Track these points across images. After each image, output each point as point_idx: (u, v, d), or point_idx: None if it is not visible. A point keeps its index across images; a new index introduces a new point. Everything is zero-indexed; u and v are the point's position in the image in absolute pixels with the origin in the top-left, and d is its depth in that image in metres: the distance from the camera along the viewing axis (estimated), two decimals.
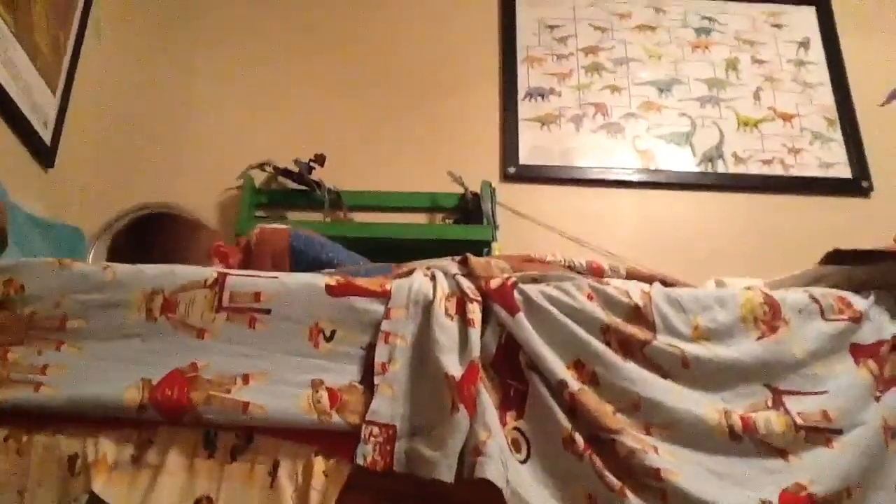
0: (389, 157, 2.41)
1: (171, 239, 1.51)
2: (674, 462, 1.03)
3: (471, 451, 1.00)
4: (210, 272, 1.13)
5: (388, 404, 1.05)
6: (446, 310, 1.13)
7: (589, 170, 2.45)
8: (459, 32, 2.63)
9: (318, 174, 2.26)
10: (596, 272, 1.30)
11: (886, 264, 1.26)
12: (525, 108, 2.52)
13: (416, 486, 1.01)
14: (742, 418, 1.08)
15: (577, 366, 1.11)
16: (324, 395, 1.05)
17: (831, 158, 2.51)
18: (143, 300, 1.10)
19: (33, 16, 1.85)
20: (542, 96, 2.55)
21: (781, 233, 2.36)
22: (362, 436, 1.02)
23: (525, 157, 2.44)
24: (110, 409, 1.02)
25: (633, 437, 1.04)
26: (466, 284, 1.17)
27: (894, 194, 2.44)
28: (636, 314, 1.16)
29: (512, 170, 2.41)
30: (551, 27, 2.66)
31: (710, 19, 2.73)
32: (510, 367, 1.12)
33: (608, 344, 1.12)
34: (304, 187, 2.25)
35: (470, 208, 2.26)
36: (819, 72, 2.65)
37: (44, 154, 1.94)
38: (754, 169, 2.48)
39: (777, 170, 2.48)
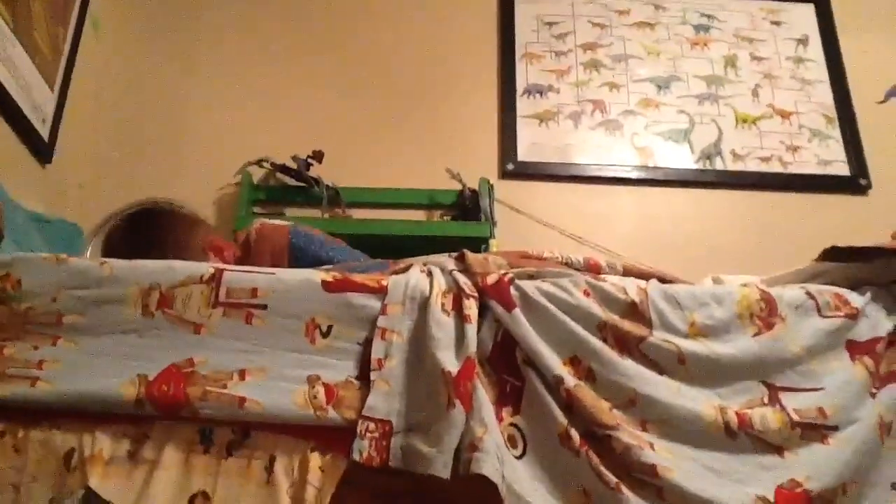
0: (387, 154, 2.41)
1: (168, 234, 1.51)
2: (670, 458, 1.03)
3: (467, 447, 1.00)
4: (207, 268, 1.13)
5: (385, 400, 1.05)
6: (443, 306, 1.13)
7: (587, 167, 2.45)
8: (458, 29, 2.62)
9: (316, 171, 2.25)
10: (593, 269, 1.30)
11: (883, 261, 1.27)
12: (523, 105, 2.51)
13: (412, 481, 1.01)
14: (738, 415, 1.08)
15: (574, 362, 1.11)
16: (320, 391, 1.05)
17: (829, 156, 2.51)
18: (139, 296, 1.10)
19: (32, 13, 1.85)
20: (541, 93, 2.54)
21: (779, 230, 2.36)
22: (358, 431, 1.02)
23: (523, 153, 2.44)
24: (107, 404, 1.02)
25: (629, 433, 1.04)
26: (463, 280, 1.17)
27: (892, 192, 2.44)
28: (633, 311, 1.16)
29: (510, 167, 2.41)
30: (550, 24, 2.65)
31: (709, 16, 2.72)
32: (506, 364, 1.12)
33: (605, 340, 1.13)
34: (302, 184, 2.25)
35: (468, 205, 2.25)
36: (818, 69, 2.65)
37: (42, 150, 1.94)
38: (752, 166, 2.48)
39: (775, 167, 2.48)
